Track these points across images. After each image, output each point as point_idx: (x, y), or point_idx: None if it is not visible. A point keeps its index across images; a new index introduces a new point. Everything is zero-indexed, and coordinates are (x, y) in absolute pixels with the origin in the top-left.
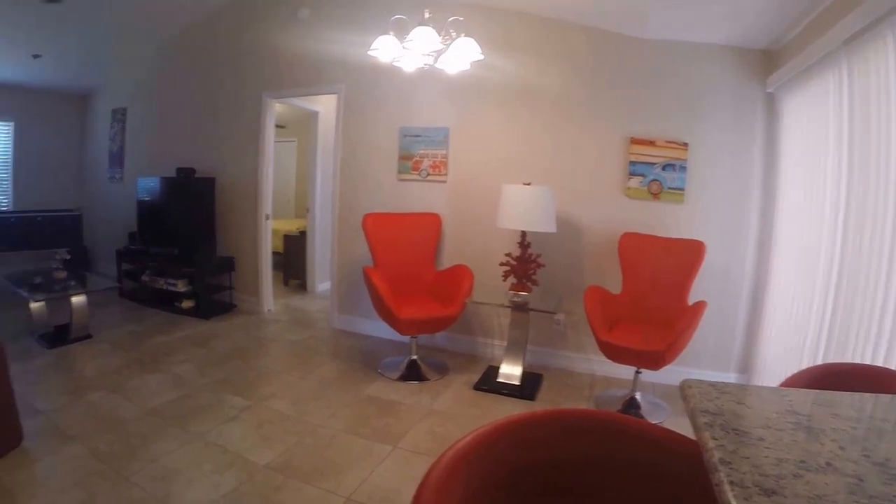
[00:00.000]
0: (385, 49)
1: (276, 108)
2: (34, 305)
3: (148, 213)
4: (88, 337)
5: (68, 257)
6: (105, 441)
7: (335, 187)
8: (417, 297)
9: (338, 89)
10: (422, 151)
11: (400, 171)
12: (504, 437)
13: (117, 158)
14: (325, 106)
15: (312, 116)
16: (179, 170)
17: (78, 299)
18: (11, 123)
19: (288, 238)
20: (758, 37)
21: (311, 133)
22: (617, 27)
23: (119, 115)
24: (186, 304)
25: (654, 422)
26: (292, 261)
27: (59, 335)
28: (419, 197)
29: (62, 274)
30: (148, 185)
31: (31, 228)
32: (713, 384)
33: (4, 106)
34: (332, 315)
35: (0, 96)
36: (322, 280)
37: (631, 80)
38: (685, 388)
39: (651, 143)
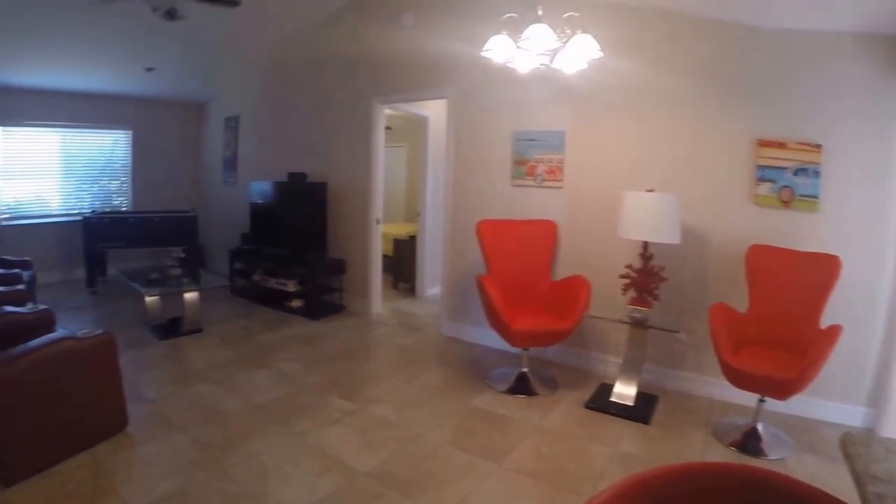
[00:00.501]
0: (498, 49)
1: (386, 114)
2: (149, 299)
3: (260, 216)
4: (199, 331)
5: (183, 255)
6: (207, 433)
7: (447, 193)
8: (531, 308)
9: (447, 93)
10: (537, 156)
11: (514, 177)
12: (643, 496)
13: (231, 163)
14: (434, 111)
15: (422, 122)
16: (291, 174)
17: (190, 295)
18: (130, 131)
19: (398, 242)
20: None
21: (421, 138)
22: (738, 15)
23: (232, 123)
24: (296, 303)
25: (775, 457)
26: (402, 265)
27: (171, 327)
28: (534, 203)
29: (177, 271)
30: (260, 188)
31: (149, 228)
32: (881, 441)
33: (124, 116)
34: (441, 321)
35: (119, 107)
36: (431, 285)
37: (755, 75)
38: (847, 445)
39: (781, 146)
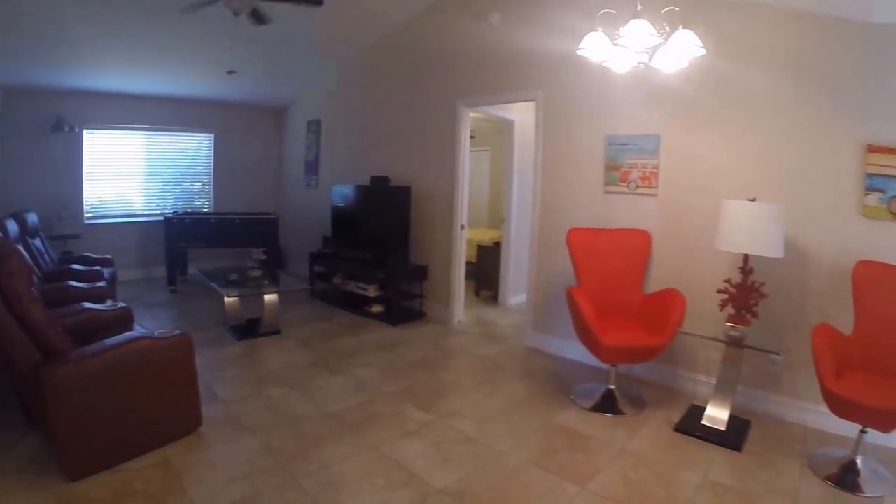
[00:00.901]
0: (595, 47)
1: (470, 118)
2: (228, 300)
3: (342, 219)
4: (277, 332)
5: (264, 257)
6: (279, 437)
7: (535, 199)
8: (622, 322)
9: (535, 95)
10: (630, 161)
11: (606, 183)
12: None
13: (313, 166)
14: (520, 114)
15: (508, 125)
16: (374, 178)
17: (270, 297)
18: (212, 135)
19: (482, 248)
20: None
21: (506, 142)
22: (848, 11)
23: (314, 127)
24: (376, 308)
25: (873, 494)
26: (485, 272)
27: (249, 328)
28: (626, 211)
29: (257, 272)
30: (342, 192)
31: (230, 229)
32: None
33: (206, 119)
34: (524, 331)
35: (202, 111)
36: (515, 293)
37: (864, 76)
38: None
39: (893, 152)
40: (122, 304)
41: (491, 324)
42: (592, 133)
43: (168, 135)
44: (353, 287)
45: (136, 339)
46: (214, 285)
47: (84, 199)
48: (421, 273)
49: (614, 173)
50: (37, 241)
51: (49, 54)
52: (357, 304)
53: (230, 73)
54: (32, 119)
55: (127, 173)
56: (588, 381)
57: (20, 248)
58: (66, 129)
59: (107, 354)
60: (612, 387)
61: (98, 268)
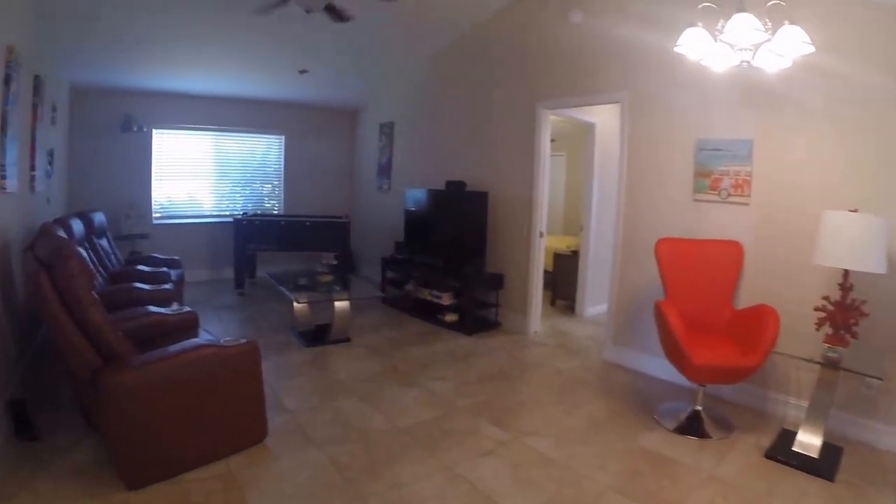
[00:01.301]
0: (694, 44)
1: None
2: (297, 306)
3: (415, 224)
4: (347, 340)
5: (335, 262)
6: (348, 453)
7: (619, 206)
8: (712, 339)
9: (620, 97)
10: (722, 168)
11: (696, 190)
12: None
13: (385, 170)
14: (601, 117)
15: (588, 128)
16: (449, 183)
17: (341, 303)
18: (283, 136)
19: (559, 257)
20: None
21: (585, 146)
22: None
23: (386, 129)
24: (449, 317)
25: None
26: (561, 281)
27: (318, 334)
28: (717, 220)
29: (327, 277)
30: (416, 196)
31: (300, 232)
32: None
33: (277, 121)
34: (604, 345)
35: (273, 112)
36: (593, 304)
37: None
38: None
39: None
40: (188, 308)
41: (568, 335)
42: (681, 137)
43: (238, 136)
44: (426, 294)
45: (201, 346)
46: (284, 290)
47: (153, 200)
48: (497, 282)
49: (704, 180)
50: (103, 242)
51: (120, 55)
52: (430, 312)
53: (302, 72)
54: (102, 119)
55: (196, 174)
56: (672, 399)
57: (84, 248)
58: (135, 129)
59: (169, 361)
60: (699, 408)
61: (165, 269)
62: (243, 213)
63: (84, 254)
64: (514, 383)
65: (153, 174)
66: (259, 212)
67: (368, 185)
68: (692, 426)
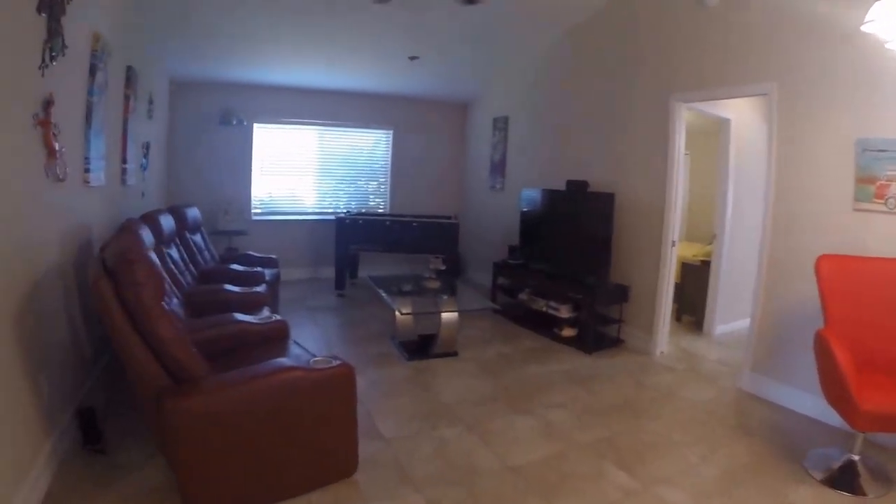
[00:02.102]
0: (888, 20)
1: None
2: (400, 316)
3: (532, 227)
4: (454, 354)
5: (443, 267)
6: (450, 497)
7: (766, 215)
8: (883, 380)
9: (767, 89)
10: (889, 172)
11: (857, 199)
12: None
13: (499, 168)
14: (737, 112)
15: (721, 125)
16: (570, 182)
17: (448, 315)
18: (391, 131)
19: (686, 267)
20: None
21: (719, 145)
22: None
23: (500, 124)
24: (567, 332)
25: None
26: (688, 293)
27: (422, 346)
28: (884, 234)
29: (434, 284)
30: (533, 196)
31: (406, 233)
32: None
33: (384, 115)
34: (740, 371)
35: (380, 106)
36: (723, 321)
37: None
38: None
39: None
40: (277, 317)
41: (697, 357)
42: (837, 135)
43: (343, 131)
44: (542, 305)
45: (286, 368)
46: (385, 296)
47: (252, 195)
48: (621, 294)
49: (868, 187)
50: (197, 237)
51: (219, 48)
52: (545, 325)
53: (412, 58)
54: (201, 112)
55: (298, 169)
56: (822, 443)
57: (173, 245)
58: (234, 123)
59: (247, 386)
60: (856, 457)
61: (259, 269)
62: (346, 212)
63: (155, 258)
64: (641, 417)
65: (253, 169)
66: (364, 210)
67: (480, 184)
68: (845, 479)
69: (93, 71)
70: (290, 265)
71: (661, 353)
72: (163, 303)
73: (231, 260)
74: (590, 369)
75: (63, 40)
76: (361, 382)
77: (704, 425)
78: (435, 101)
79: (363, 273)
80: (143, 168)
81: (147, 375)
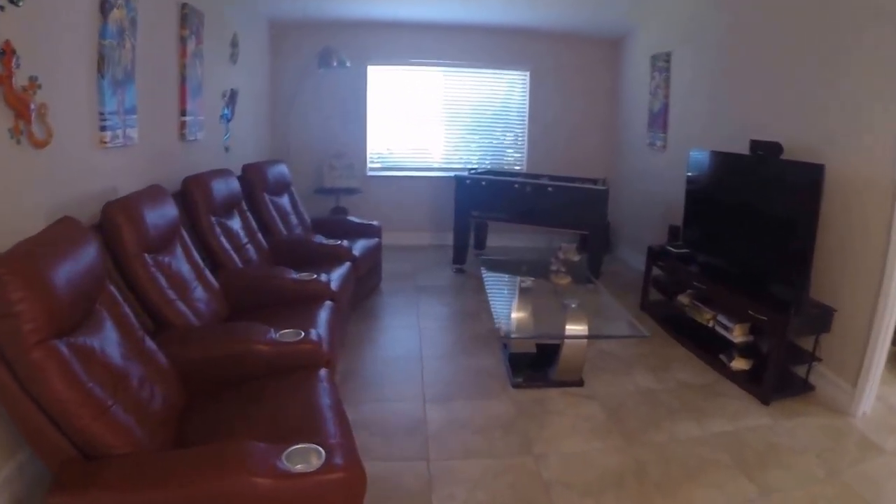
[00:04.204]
0: None
1: None
2: (513, 316)
3: (701, 203)
4: (577, 384)
5: (577, 258)
6: None
7: None
8: None
9: None
10: None
11: None
12: None
13: (659, 120)
14: None
15: None
16: (756, 144)
17: (576, 328)
18: (527, 73)
19: None
20: None
21: None
22: None
23: (661, 62)
24: (738, 363)
25: None
26: None
27: (538, 361)
28: None
29: (563, 280)
30: (703, 161)
31: (539, 199)
32: None
33: (521, 53)
34: None
35: (516, 43)
36: None
37: None
38: None
39: None
40: (316, 336)
41: None
42: None
43: (471, 72)
44: (707, 318)
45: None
46: (492, 304)
47: (368, 147)
48: (822, 321)
49: None
50: (283, 199)
51: None
52: (708, 345)
53: None
54: (305, 55)
55: (420, 118)
56: None
57: (236, 212)
58: (335, 64)
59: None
60: None
61: (342, 243)
62: (470, 171)
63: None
64: None
65: (368, 118)
66: (494, 168)
67: (635, 141)
68: None
69: (105, 9)
70: (410, 229)
71: (864, 413)
72: (57, 343)
73: (325, 226)
74: (765, 437)
75: None
76: (444, 414)
77: None
78: (581, 35)
79: (494, 242)
80: (226, 119)
81: (43, 446)
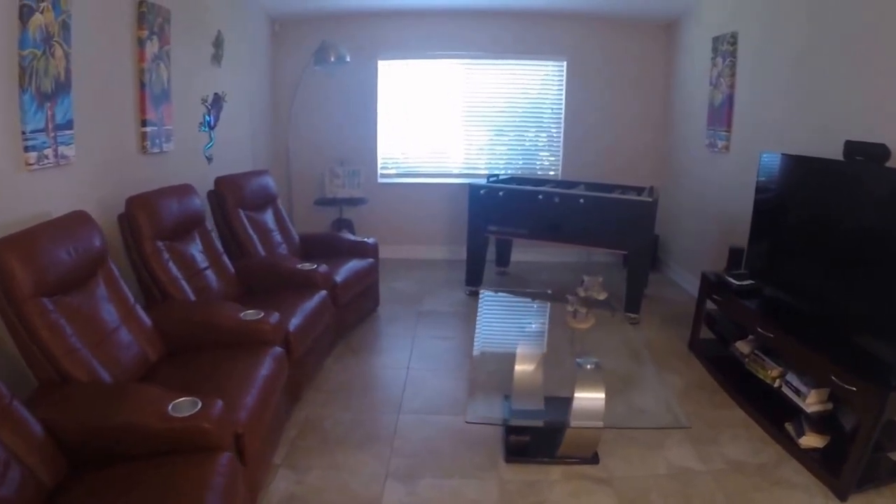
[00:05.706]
0: None
1: None
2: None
3: (774, 221)
4: (591, 461)
5: (603, 296)
6: None
7: None
8: None
9: None
10: None
11: None
12: None
13: (722, 115)
14: None
15: None
16: (852, 146)
17: (590, 397)
18: (564, 63)
19: None
20: None
21: None
22: None
23: (725, 46)
24: (810, 440)
25: None
26: None
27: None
28: None
29: (583, 325)
30: (776, 167)
31: (569, 213)
32: None
33: (555, 40)
34: None
35: (550, 27)
36: None
37: None
38: None
39: None
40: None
41: None
42: None
43: (497, 64)
44: (773, 376)
45: None
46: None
47: (378, 152)
48: None
49: None
50: (265, 215)
51: None
52: (769, 406)
53: None
54: (307, 51)
55: (437, 118)
56: None
57: (197, 233)
58: (333, 60)
59: None
60: None
61: (319, 268)
62: (487, 178)
63: None
64: None
65: (378, 120)
66: (517, 175)
67: (691, 141)
68: None
69: (25, 14)
70: (423, 242)
71: None
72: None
73: (313, 244)
74: None
75: None
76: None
77: None
78: (625, 18)
79: (519, 257)
80: (209, 126)
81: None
